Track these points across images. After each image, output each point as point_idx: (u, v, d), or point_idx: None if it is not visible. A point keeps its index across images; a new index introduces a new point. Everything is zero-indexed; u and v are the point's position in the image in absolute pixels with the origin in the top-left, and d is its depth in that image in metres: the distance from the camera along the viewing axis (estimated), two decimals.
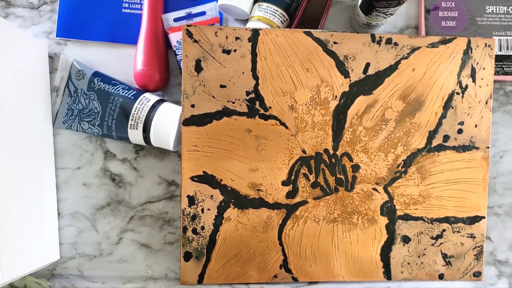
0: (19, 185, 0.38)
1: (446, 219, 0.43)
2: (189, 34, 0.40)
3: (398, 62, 0.42)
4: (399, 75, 0.42)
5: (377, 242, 0.43)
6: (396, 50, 0.42)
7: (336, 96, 0.42)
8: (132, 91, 0.42)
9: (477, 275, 0.44)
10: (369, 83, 0.42)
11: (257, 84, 0.41)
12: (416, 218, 0.43)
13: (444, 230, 0.43)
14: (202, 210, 0.41)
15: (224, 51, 0.41)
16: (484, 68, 0.43)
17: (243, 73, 0.41)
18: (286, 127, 0.41)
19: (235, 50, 0.41)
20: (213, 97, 0.41)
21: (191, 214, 0.41)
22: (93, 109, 0.42)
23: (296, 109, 0.41)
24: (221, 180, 0.41)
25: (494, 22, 0.47)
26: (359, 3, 0.42)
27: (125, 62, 0.45)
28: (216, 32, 0.41)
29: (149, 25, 0.43)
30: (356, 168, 0.42)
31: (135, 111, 0.41)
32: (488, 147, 0.44)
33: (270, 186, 0.41)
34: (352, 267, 0.42)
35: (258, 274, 0.42)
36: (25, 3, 0.46)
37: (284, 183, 0.41)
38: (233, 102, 0.41)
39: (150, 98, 0.42)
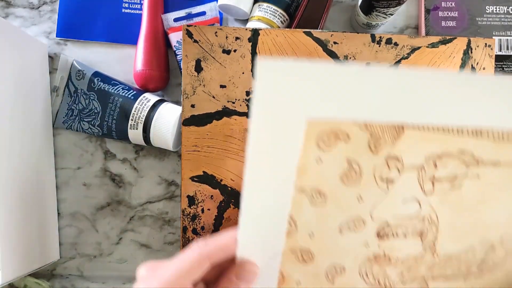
0: (19, 185, 0.38)
1: None
2: (189, 34, 0.40)
3: (398, 62, 0.42)
4: None
5: None
6: (396, 50, 0.42)
7: None
8: (132, 91, 0.42)
9: None
10: None
11: None
12: None
13: None
14: (202, 210, 0.41)
15: (224, 51, 0.41)
16: (484, 68, 0.43)
17: (243, 73, 0.41)
18: None
19: (235, 50, 0.41)
20: (213, 97, 0.41)
21: (191, 214, 0.41)
22: (93, 109, 0.42)
23: None
24: (221, 180, 0.41)
25: (494, 22, 0.47)
26: (359, 3, 0.42)
27: (125, 62, 0.45)
28: (216, 32, 0.41)
29: (149, 25, 0.43)
30: None
31: (135, 111, 0.41)
32: None
33: None
34: None
35: None
36: (25, 3, 0.46)
37: None
38: (233, 102, 0.41)
39: (150, 98, 0.42)
